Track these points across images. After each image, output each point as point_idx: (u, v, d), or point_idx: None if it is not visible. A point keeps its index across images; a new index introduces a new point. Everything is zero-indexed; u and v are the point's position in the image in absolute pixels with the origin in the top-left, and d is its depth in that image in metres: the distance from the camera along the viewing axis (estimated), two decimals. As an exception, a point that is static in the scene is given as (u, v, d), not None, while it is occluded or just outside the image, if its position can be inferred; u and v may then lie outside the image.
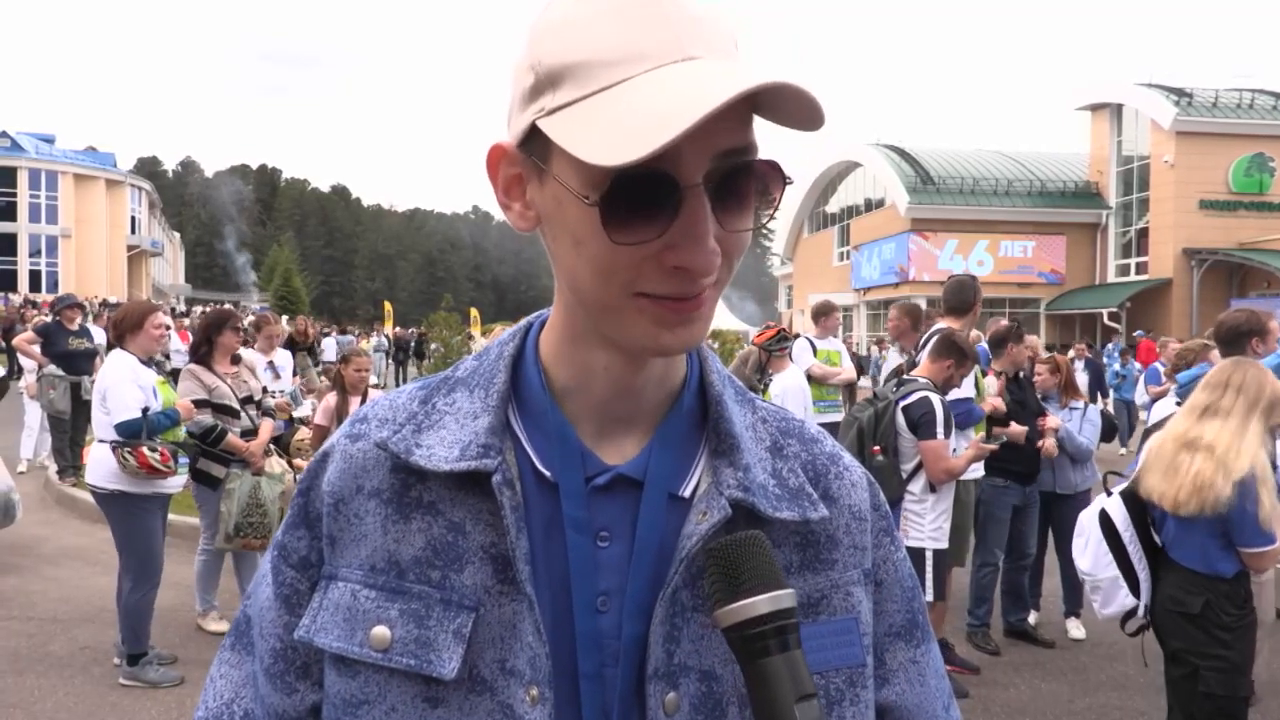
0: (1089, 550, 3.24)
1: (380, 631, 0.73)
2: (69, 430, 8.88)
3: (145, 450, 4.41)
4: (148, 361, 4.77)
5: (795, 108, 0.64)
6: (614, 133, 0.61)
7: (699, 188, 0.65)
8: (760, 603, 0.67)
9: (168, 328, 5.04)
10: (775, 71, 0.62)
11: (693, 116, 0.58)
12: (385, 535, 0.76)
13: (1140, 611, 3.17)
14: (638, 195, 0.64)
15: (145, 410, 4.53)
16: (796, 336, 8.25)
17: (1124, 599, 3.17)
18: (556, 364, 0.79)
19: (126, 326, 4.64)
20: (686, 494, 0.77)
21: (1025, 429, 5.17)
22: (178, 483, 4.69)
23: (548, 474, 0.76)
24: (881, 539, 0.85)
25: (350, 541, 0.77)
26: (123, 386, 4.54)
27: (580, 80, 0.65)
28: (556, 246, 0.72)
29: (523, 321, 0.86)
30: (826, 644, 0.78)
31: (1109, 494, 3.28)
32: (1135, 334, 24.40)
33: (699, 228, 0.65)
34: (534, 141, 0.69)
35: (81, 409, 8.51)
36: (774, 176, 0.68)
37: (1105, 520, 3.22)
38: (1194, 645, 3.01)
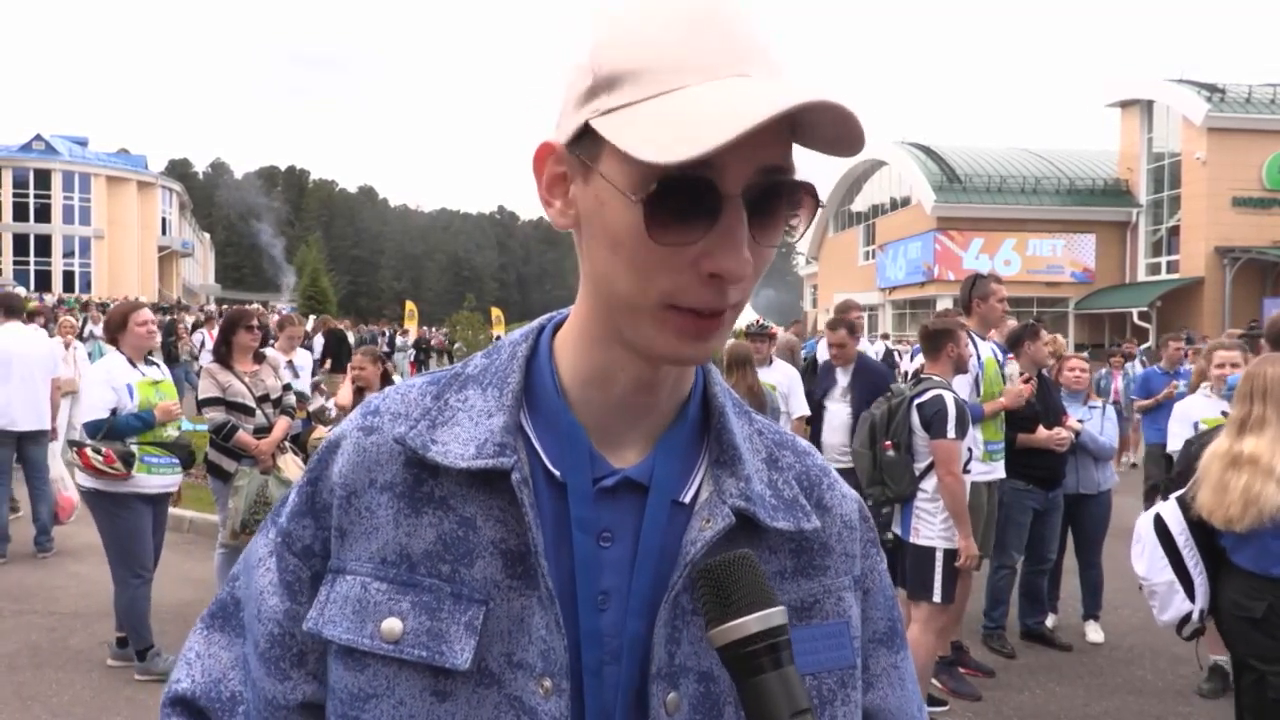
0: (1145, 555, 3.21)
1: (391, 624, 0.74)
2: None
3: (89, 451, 4.45)
4: (145, 359, 4.84)
5: (835, 129, 0.67)
6: (667, 134, 0.64)
7: (738, 198, 0.67)
8: (751, 622, 0.68)
9: (188, 326, 5.12)
10: (823, 90, 0.65)
11: (744, 124, 0.61)
12: (397, 529, 0.77)
13: (1195, 616, 3.13)
14: (681, 199, 0.66)
15: (114, 411, 4.58)
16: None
17: (1180, 604, 3.13)
18: (573, 365, 0.81)
19: (113, 327, 4.81)
20: (687, 500, 0.79)
21: (1052, 434, 5.09)
22: (158, 482, 4.68)
23: (556, 474, 0.78)
24: (869, 549, 0.88)
25: (361, 535, 0.78)
26: (94, 387, 4.69)
27: (639, 84, 0.68)
28: (592, 246, 0.74)
29: (535, 322, 0.87)
30: (819, 646, 0.80)
31: (1164, 499, 3.22)
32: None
33: (735, 235, 0.68)
34: (584, 141, 0.72)
35: None
36: (808, 197, 0.71)
37: (1160, 525, 3.18)
38: (1259, 650, 2.96)
